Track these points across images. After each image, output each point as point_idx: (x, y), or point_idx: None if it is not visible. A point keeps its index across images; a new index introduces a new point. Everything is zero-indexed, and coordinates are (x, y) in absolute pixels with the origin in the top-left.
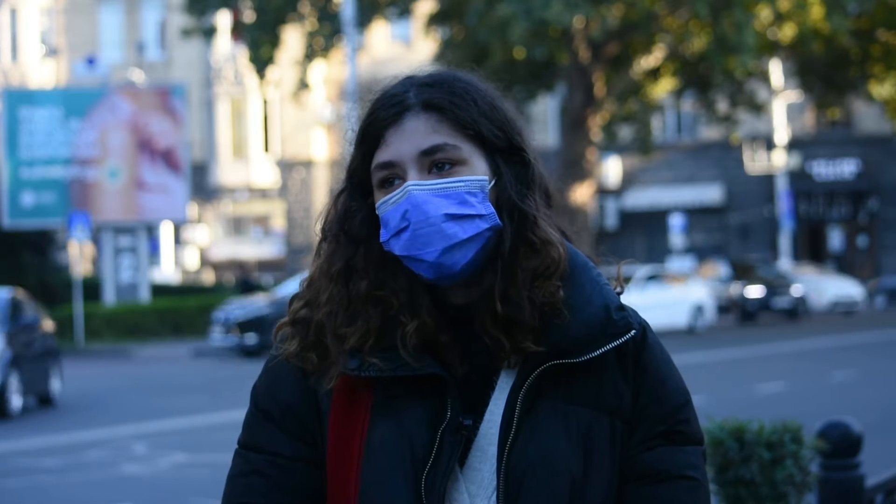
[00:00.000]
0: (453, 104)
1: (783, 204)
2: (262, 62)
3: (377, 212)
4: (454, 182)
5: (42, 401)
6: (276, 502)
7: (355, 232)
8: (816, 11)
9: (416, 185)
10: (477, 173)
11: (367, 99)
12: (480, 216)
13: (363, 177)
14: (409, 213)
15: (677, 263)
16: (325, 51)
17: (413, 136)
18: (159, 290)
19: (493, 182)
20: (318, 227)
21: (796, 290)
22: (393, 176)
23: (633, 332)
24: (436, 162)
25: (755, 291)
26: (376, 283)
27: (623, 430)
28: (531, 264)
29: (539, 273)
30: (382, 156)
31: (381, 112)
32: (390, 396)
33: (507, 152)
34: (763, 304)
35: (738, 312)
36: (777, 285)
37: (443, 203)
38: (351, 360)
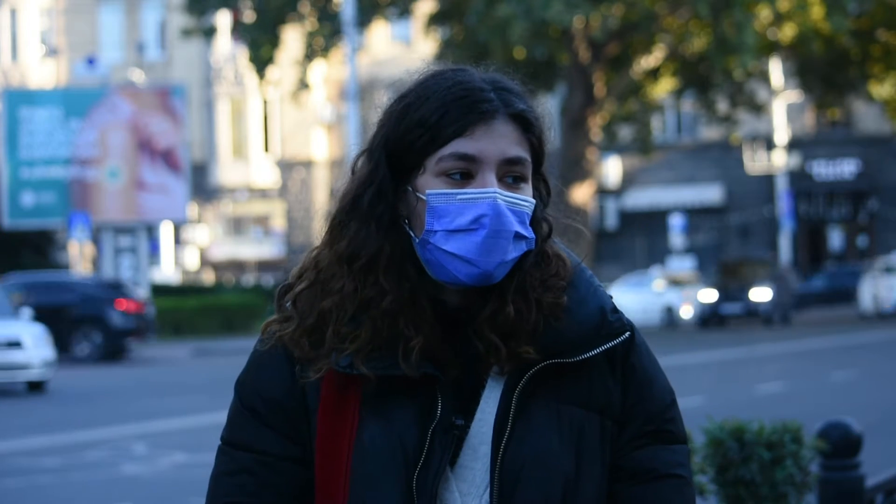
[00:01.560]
0: (535, 122)
1: (783, 204)
2: (262, 62)
3: (429, 199)
4: (524, 200)
5: None
6: (264, 501)
7: (386, 222)
8: (816, 11)
9: (501, 194)
10: (530, 192)
11: (419, 78)
12: (526, 239)
13: (409, 157)
14: (485, 218)
15: (677, 263)
16: (325, 51)
17: (501, 140)
18: (159, 290)
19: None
20: (341, 197)
21: (757, 293)
22: (465, 170)
23: (627, 333)
24: (510, 173)
25: (709, 296)
26: (396, 297)
27: (612, 429)
28: (541, 274)
29: (545, 281)
30: (466, 147)
31: (472, 103)
32: (380, 394)
33: (539, 173)
34: (713, 310)
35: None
36: (731, 289)
37: (514, 220)
38: (342, 358)
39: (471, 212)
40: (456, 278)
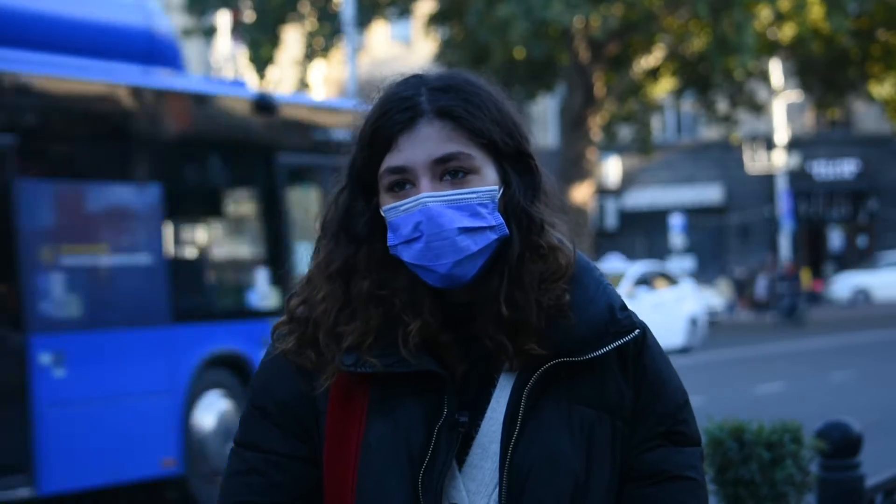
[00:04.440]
0: (468, 112)
1: (783, 204)
2: (262, 62)
3: (384, 215)
4: (467, 194)
5: None
6: (273, 501)
7: (357, 232)
8: (816, 11)
9: (431, 196)
10: (488, 182)
11: (373, 97)
12: (491, 227)
13: (367, 177)
14: (422, 224)
15: (677, 263)
16: (325, 51)
17: (426, 143)
18: None
19: (501, 190)
20: (318, 224)
21: None
22: (403, 181)
23: (636, 331)
24: (449, 170)
25: None
26: (378, 282)
27: (623, 429)
28: (538, 269)
29: (546, 277)
30: (394, 161)
31: (392, 115)
32: (387, 394)
33: (514, 158)
34: None
35: None
36: None
37: (456, 216)
38: (346, 357)
39: (410, 221)
40: (429, 283)
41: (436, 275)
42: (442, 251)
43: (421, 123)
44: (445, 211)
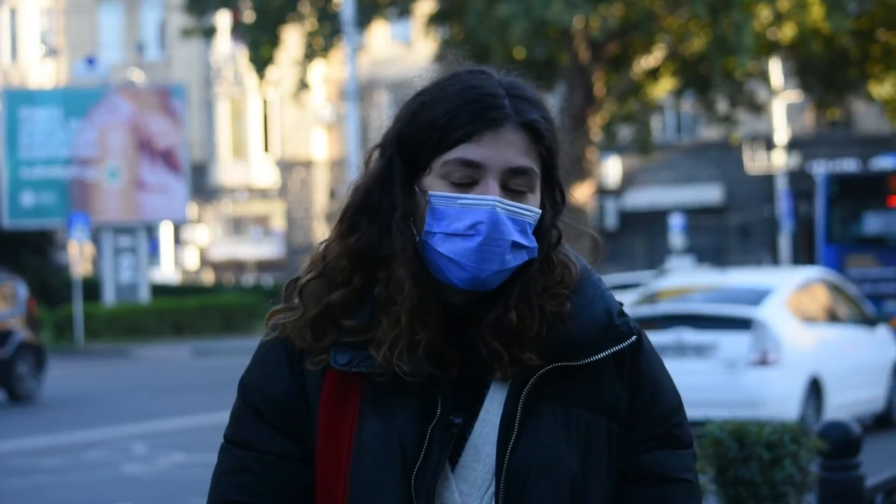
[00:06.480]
0: (548, 131)
1: (783, 204)
2: (262, 62)
3: (431, 200)
4: (527, 210)
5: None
6: (264, 500)
7: (401, 220)
8: (816, 11)
9: (501, 202)
10: (537, 201)
11: (432, 79)
12: (527, 248)
13: (419, 155)
14: (482, 225)
15: (676, 263)
16: (325, 51)
17: (508, 149)
18: (159, 291)
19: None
20: (356, 189)
21: None
22: (468, 175)
23: (634, 337)
24: (515, 182)
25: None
26: (408, 292)
27: (619, 432)
28: (545, 280)
29: (549, 287)
30: (471, 154)
31: (482, 109)
32: (381, 392)
33: (551, 183)
34: None
35: None
36: None
37: (513, 229)
38: (341, 356)
39: (469, 217)
40: (450, 281)
41: (468, 276)
42: (490, 257)
43: (507, 127)
44: (507, 221)
